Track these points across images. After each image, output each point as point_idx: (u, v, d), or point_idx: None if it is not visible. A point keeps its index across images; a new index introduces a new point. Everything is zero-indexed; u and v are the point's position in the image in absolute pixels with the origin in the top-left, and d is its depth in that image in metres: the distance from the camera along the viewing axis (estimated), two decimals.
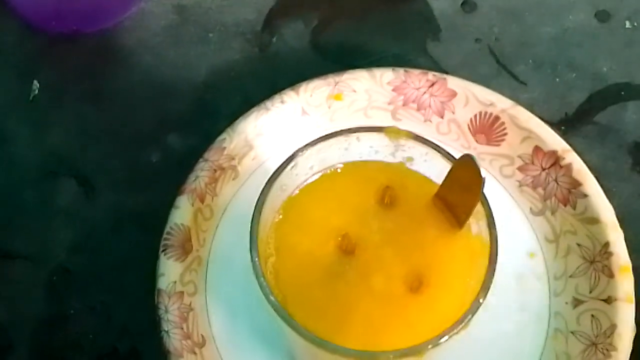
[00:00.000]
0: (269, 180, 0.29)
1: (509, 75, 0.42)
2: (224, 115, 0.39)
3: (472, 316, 0.27)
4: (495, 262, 0.28)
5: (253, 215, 0.29)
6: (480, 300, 0.27)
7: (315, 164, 0.31)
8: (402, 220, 0.30)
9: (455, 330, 0.26)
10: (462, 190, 0.29)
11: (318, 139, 0.30)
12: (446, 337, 0.26)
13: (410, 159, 0.31)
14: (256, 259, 0.28)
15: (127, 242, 0.37)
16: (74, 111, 0.41)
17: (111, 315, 0.36)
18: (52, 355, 0.35)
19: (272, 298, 0.27)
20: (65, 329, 0.36)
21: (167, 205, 0.36)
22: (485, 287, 0.27)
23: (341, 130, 0.31)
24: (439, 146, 0.30)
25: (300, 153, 0.30)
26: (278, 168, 0.29)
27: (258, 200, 0.29)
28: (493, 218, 0.29)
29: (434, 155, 0.30)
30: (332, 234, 0.30)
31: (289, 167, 0.30)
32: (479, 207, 0.29)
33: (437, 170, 0.31)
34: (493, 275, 0.28)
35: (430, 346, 0.27)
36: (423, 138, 0.30)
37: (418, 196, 0.31)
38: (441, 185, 0.30)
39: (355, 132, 0.31)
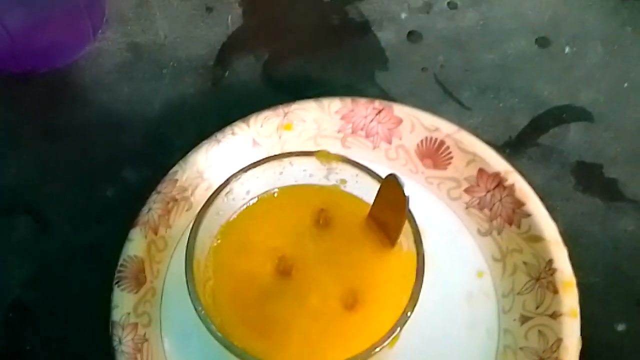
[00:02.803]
0: (202, 207, 0.30)
1: (454, 102, 0.43)
2: (178, 148, 0.39)
3: (401, 329, 0.27)
4: (422, 277, 0.28)
5: (188, 241, 0.29)
6: (408, 314, 0.28)
7: (251, 188, 0.31)
8: (337, 241, 0.31)
9: (384, 343, 0.27)
10: (391, 209, 0.29)
11: (251, 164, 0.31)
12: (377, 349, 0.27)
13: (343, 181, 0.32)
14: (192, 285, 0.28)
15: (82, 275, 0.38)
16: (30, 149, 0.42)
17: (67, 348, 0.36)
18: None
19: (208, 321, 0.28)
20: None
21: (122, 238, 0.36)
22: (413, 301, 0.27)
23: (274, 156, 0.31)
24: (367, 167, 0.31)
25: (234, 179, 0.31)
26: (212, 194, 0.30)
27: (192, 227, 0.29)
28: (419, 234, 0.29)
29: (363, 176, 0.31)
30: (269, 256, 0.31)
31: (223, 193, 0.30)
32: (407, 225, 0.29)
33: (368, 191, 0.31)
34: (420, 289, 0.28)
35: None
36: (352, 160, 0.31)
37: (352, 217, 0.31)
38: (372, 206, 0.31)
39: (287, 157, 0.31)
